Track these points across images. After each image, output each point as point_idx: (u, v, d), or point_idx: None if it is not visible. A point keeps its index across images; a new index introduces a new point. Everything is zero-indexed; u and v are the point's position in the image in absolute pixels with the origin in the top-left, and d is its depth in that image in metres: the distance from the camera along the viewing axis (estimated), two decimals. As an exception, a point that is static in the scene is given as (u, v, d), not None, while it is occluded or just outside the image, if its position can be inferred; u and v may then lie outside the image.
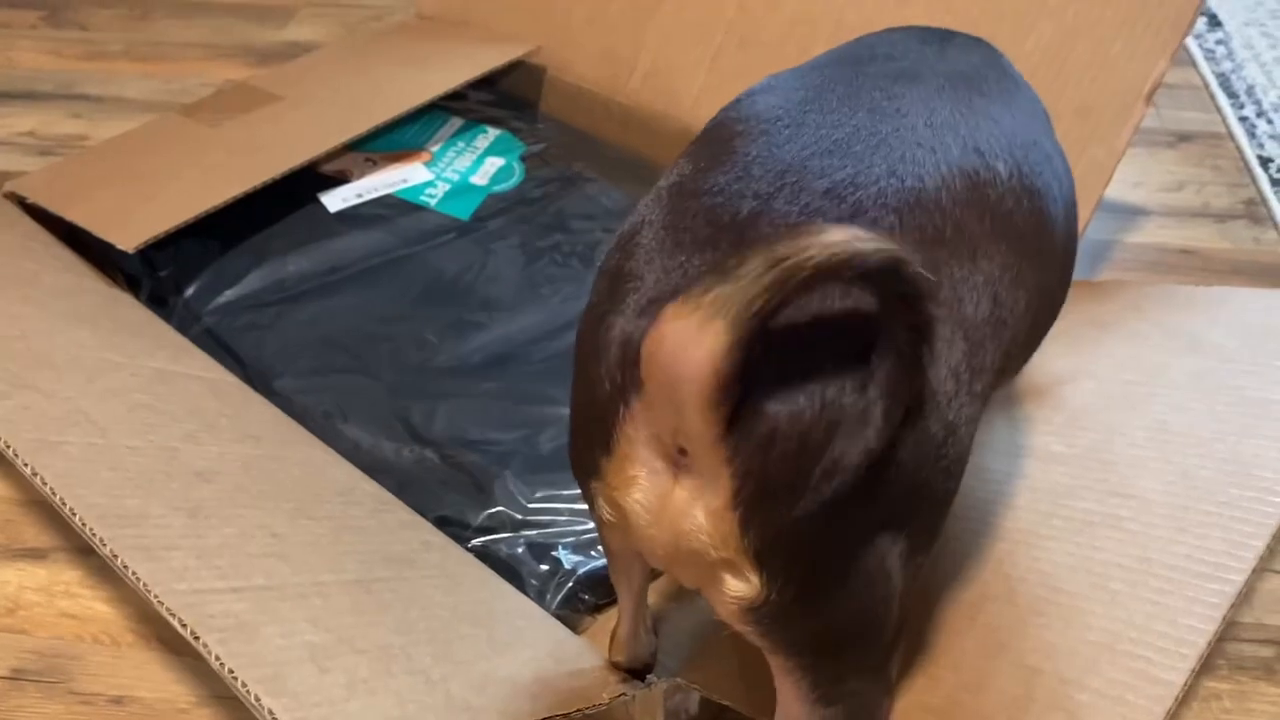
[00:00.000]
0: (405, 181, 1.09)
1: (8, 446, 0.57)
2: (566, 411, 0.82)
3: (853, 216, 0.43)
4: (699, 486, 0.41)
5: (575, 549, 0.73)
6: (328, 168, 1.09)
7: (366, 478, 0.76)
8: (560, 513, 0.76)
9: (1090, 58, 0.89)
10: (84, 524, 0.53)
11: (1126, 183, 1.14)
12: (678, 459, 0.41)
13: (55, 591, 0.79)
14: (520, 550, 0.73)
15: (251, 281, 0.97)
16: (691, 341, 0.36)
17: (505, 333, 0.92)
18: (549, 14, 1.19)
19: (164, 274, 0.98)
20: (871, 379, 0.39)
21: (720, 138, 0.49)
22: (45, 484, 0.55)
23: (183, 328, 0.92)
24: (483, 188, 1.08)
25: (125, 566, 0.51)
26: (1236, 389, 0.69)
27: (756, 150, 0.47)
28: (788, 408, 0.39)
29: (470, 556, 0.71)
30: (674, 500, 0.42)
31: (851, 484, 0.40)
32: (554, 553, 0.73)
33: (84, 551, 0.81)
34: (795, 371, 0.40)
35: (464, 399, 0.85)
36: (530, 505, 0.76)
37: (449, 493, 0.77)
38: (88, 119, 1.31)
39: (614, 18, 1.16)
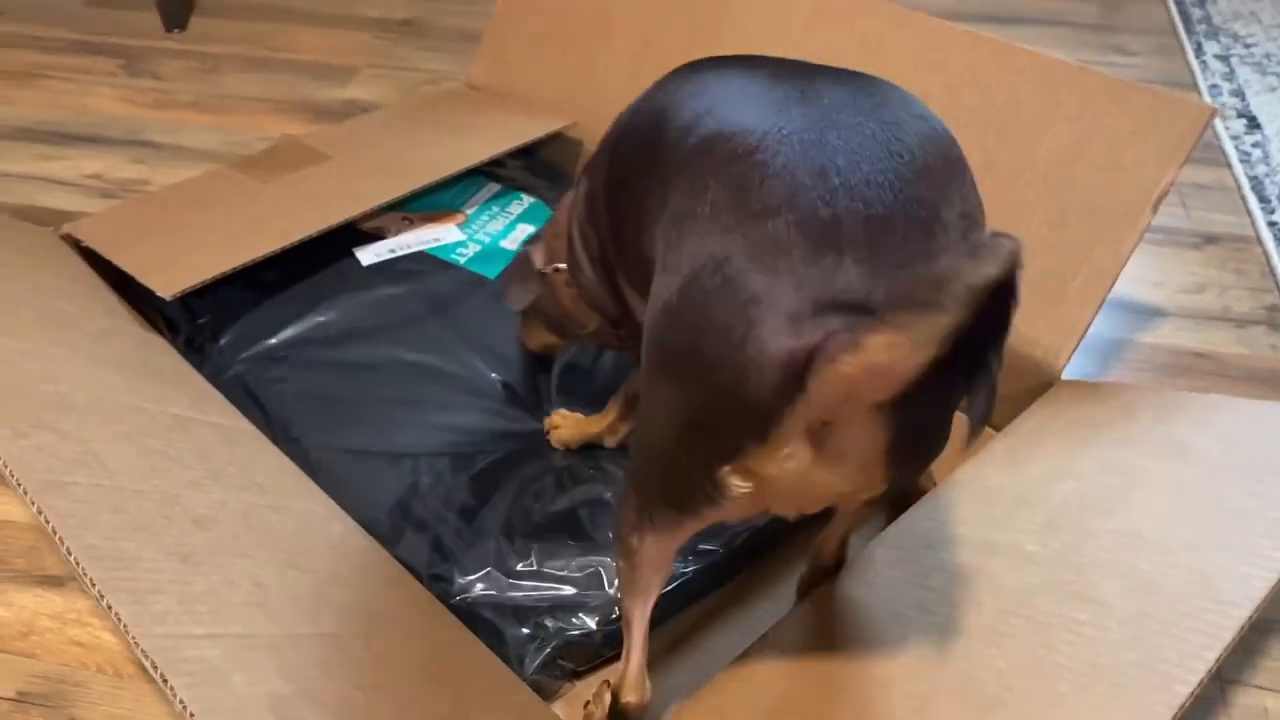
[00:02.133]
0: (438, 240, 1.13)
1: (19, 484, 0.61)
2: (564, 472, 0.85)
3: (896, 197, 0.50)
4: (850, 447, 0.50)
5: (557, 614, 0.75)
6: (366, 224, 1.14)
7: (363, 532, 0.79)
8: (546, 577, 0.78)
9: (1102, 162, 0.91)
10: (78, 563, 0.57)
11: (1147, 282, 1.15)
12: (819, 431, 0.50)
13: (68, 619, 0.83)
14: (504, 612, 0.76)
15: (283, 333, 1.02)
16: (901, 361, 0.44)
17: (515, 395, 0.95)
18: (588, 89, 1.24)
19: (202, 321, 1.03)
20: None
21: (726, 165, 0.53)
22: (48, 522, 0.59)
23: (214, 374, 0.96)
24: (512, 251, 1.12)
25: (110, 607, 0.55)
26: (1215, 499, 0.70)
27: (782, 161, 0.52)
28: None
29: (452, 616, 0.74)
30: (818, 465, 0.51)
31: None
32: (536, 617, 0.76)
33: (98, 583, 0.85)
34: None
35: (466, 459, 0.88)
36: (518, 568, 0.78)
37: (440, 550, 0.80)
38: (150, 165, 1.38)
39: (650, 96, 1.20)
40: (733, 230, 0.50)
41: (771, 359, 0.48)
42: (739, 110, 0.56)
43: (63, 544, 0.57)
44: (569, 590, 0.77)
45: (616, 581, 0.68)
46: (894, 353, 0.44)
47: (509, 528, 0.81)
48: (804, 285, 0.48)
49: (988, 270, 0.41)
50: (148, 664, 0.52)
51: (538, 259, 0.82)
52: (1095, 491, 0.72)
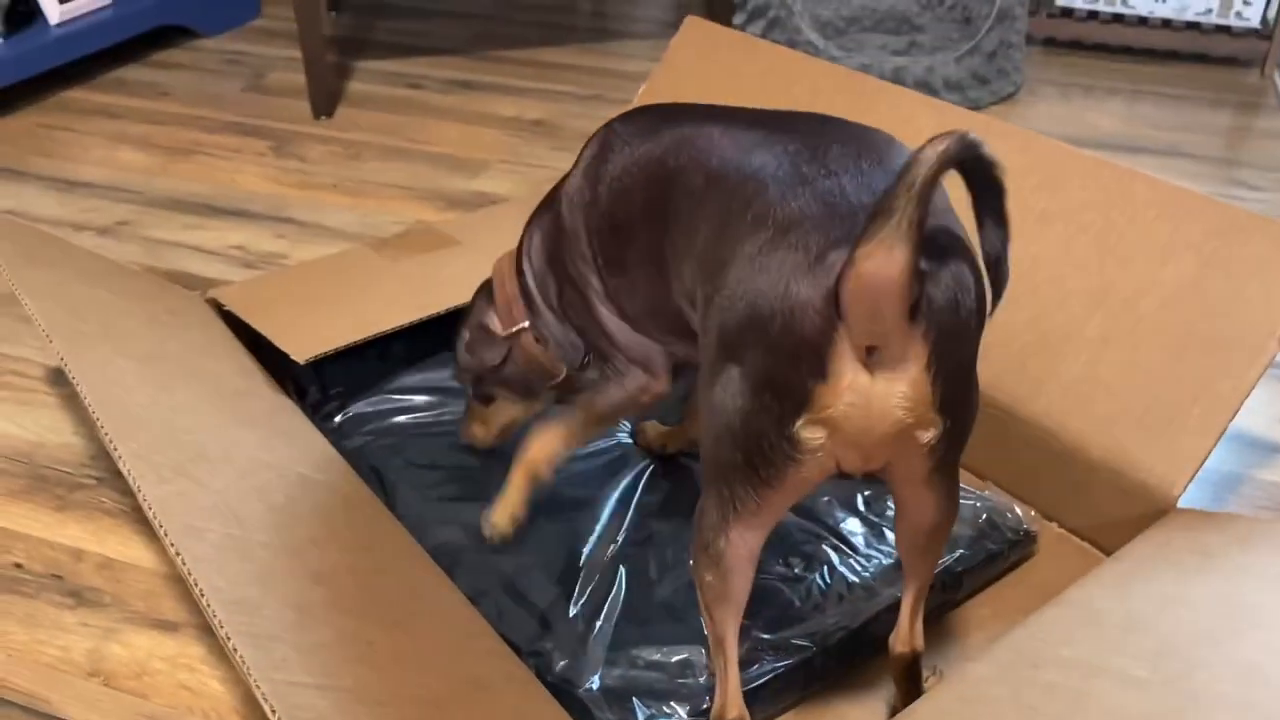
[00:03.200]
0: (556, 330, 1.16)
1: (160, 527, 0.65)
2: (664, 564, 0.86)
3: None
4: (896, 369, 0.59)
5: (647, 702, 0.76)
6: (489, 309, 1.18)
7: (468, 603, 0.81)
8: (638, 663, 0.78)
9: (1225, 293, 0.90)
10: (208, 605, 0.60)
11: (1273, 418, 1.12)
12: (868, 360, 0.58)
13: (179, 663, 0.86)
14: (596, 693, 0.76)
15: (405, 411, 1.06)
16: (886, 264, 0.55)
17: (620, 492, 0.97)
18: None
19: (333, 391, 1.08)
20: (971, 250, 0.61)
21: (741, 185, 0.67)
22: (184, 564, 0.62)
23: (338, 440, 1.00)
24: (625, 345, 1.15)
25: (235, 650, 0.57)
26: (1336, 642, 0.68)
27: (785, 170, 0.65)
28: (941, 288, 0.58)
29: (547, 694, 0.75)
30: (875, 390, 0.59)
31: (977, 325, 0.62)
32: (629, 702, 0.76)
33: (210, 630, 0.88)
34: (934, 263, 0.58)
35: (572, 545, 0.90)
36: (612, 653, 0.79)
37: (541, 628, 0.81)
38: (290, 240, 1.46)
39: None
40: (762, 220, 0.62)
41: (811, 296, 0.58)
42: (731, 150, 0.70)
43: (195, 585, 0.61)
44: (660, 677, 0.78)
45: (703, 609, 0.70)
46: (880, 249, 0.55)
47: (608, 613, 0.82)
48: (824, 235, 0.59)
49: (925, 157, 0.53)
50: (266, 707, 0.54)
51: (497, 326, 0.91)
52: (1208, 622, 0.71)
